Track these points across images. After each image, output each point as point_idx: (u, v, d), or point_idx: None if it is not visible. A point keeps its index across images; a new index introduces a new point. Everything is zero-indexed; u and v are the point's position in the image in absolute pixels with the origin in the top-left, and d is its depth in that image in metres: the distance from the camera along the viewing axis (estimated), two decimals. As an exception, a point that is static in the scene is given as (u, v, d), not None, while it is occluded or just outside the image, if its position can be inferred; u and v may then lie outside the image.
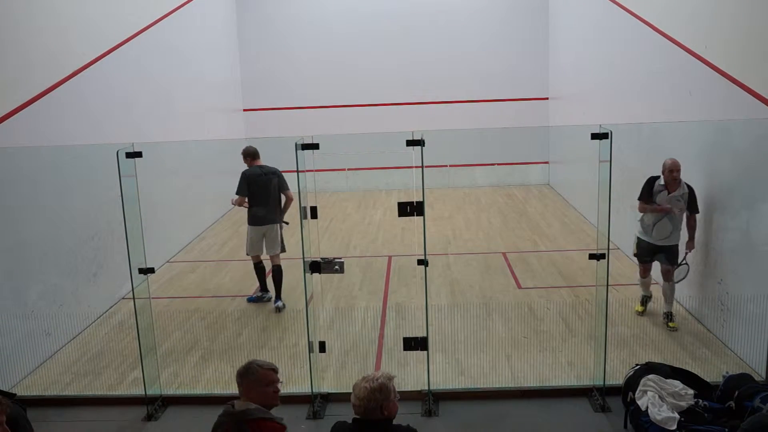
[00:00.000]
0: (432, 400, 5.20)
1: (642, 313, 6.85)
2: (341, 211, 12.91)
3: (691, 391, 4.73)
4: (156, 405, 5.30)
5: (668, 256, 6.46)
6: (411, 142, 4.89)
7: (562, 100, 13.84)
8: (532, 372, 5.66)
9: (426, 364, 5.21)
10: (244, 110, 15.08)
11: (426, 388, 5.23)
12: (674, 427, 4.40)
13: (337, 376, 5.75)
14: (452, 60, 14.75)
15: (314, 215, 5.25)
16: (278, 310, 7.34)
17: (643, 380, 4.80)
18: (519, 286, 8.04)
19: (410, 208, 4.89)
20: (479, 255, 9.46)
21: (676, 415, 4.47)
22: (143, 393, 5.30)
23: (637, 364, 5.16)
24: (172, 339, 6.61)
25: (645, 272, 6.74)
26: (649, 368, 4.99)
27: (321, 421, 5.04)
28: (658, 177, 6.37)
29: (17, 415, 3.41)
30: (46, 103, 6.69)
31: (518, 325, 6.70)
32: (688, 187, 6.28)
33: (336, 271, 5.24)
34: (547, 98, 14.73)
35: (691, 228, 6.34)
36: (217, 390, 5.54)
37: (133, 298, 5.26)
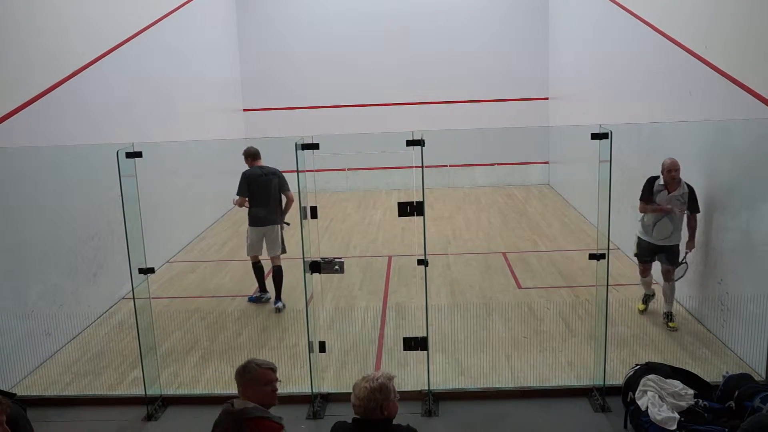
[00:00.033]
0: (432, 400, 5.20)
1: (643, 312, 6.86)
2: (341, 211, 12.90)
3: (691, 391, 4.73)
4: (156, 405, 5.30)
5: (669, 256, 6.46)
6: (411, 142, 4.89)
7: (562, 100, 13.85)
8: (532, 372, 5.66)
9: (426, 364, 5.21)
10: (244, 110, 15.08)
11: (426, 388, 5.23)
12: (674, 427, 4.40)
13: (337, 376, 5.75)
14: (452, 60, 14.75)
15: (314, 215, 5.25)
16: (278, 311, 7.33)
17: (643, 380, 4.80)
18: (519, 286, 8.04)
19: (410, 208, 4.90)
20: (479, 255, 9.46)
21: (676, 415, 4.47)
22: (143, 393, 5.30)
23: (637, 364, 5.17)
24: (172, 339, 6.61)
25: (645, 272, 6.75)
26: (649, 368, 4.99)
27: (321, 421, 5.04)
28: (658, 177, 6.37)
29: (17, 415, 3.41)
30: (46, 103, 6.69)
31: (518, 325, 6.70)
32: (689, 186, 6.28)
33: (336, 271, 5.24)
34: (547, 98, 14.73)
35: (692, 228, 6.34)
36: (217, 390, 5.54)
37: (133, 298, 5.26)
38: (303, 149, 5.02)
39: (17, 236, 6.08)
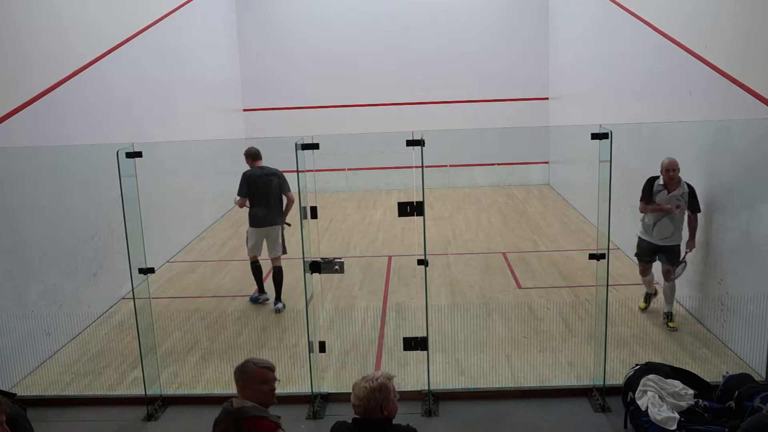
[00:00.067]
0: (432, 400, 5.20)
1: (644, 310, 6.86)
2: (341, 211, 12.90)
3: (691, 391, 4.73)
4: (156, 405, 5.30)
5: (669, 256, 6.46)
6: (411, 142, 4.90)
7: (562, 100, 13.85)
8: (532, 372, 5.66)
9: (426, 364, 5.21)
10: (244, 110, 15.08)
11: (426, 388, 5.23)
12: (674, 427, 4.40)
13: (337, 376, 5.75)
14: (452, 60, 14.75)
15: (314, 215, 5.25)
16: (278, 311, 7.33)
17: (643, 380, 4.80)
18: (519, 286, 8.04)
19: (410, 208, 4.90)
20: (479, 255, 9.46)
21: (676, 415, 4.47)
22: (143, 393, 5.30)
23: (637, 364, 5.16)
24: (172, 339, 6.60)
25: (645, 272, 6.74)
26: (649, 368, 4.99)
27: (321, 421, 5.04)
28: (658, 177, 6.37)
29: (17, 415, 3.41)
30: (46, 103, 6.69)
31: (518, 325, 6.70)
32: (689, 186, 6.27)
33: (336, 271, 5.24)
34: (547, 98, 14.73)
35: (692, 227, 6.33)
36: (217, 390, 5.54)
37: (133, 298, 5.26)
38: (303, 149, 5.02)
39: (17, 236, 6.08)
